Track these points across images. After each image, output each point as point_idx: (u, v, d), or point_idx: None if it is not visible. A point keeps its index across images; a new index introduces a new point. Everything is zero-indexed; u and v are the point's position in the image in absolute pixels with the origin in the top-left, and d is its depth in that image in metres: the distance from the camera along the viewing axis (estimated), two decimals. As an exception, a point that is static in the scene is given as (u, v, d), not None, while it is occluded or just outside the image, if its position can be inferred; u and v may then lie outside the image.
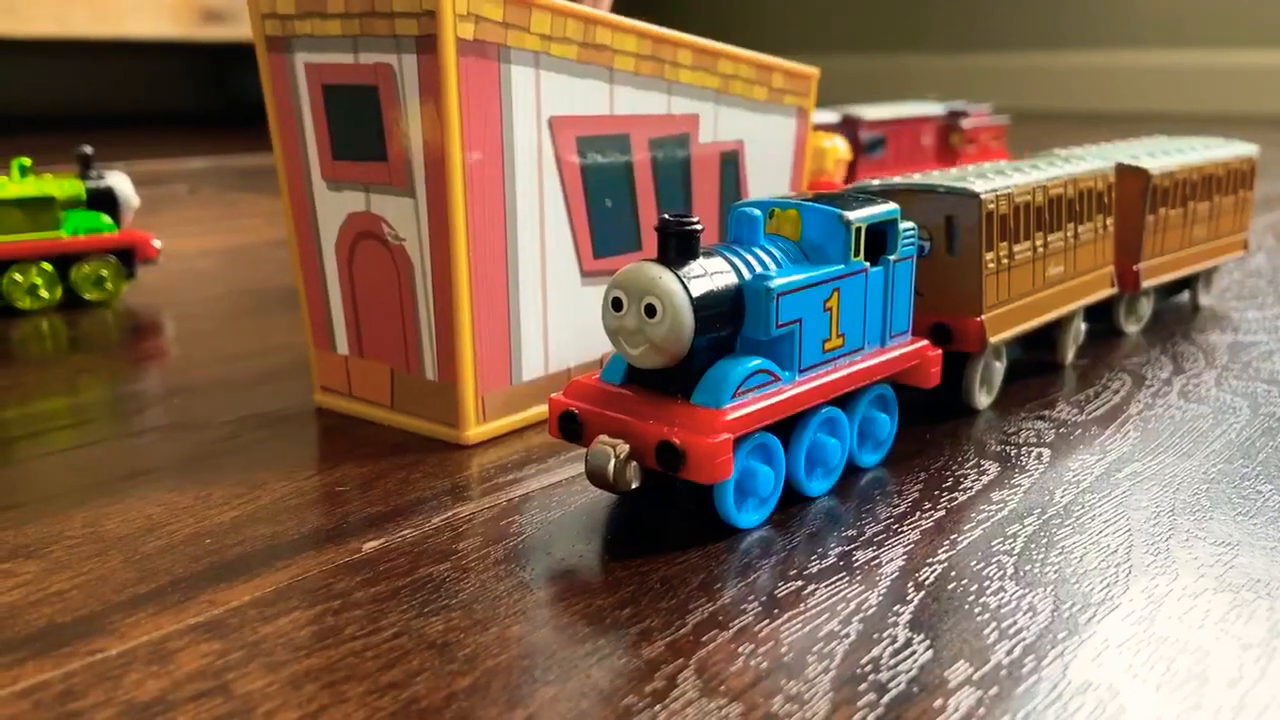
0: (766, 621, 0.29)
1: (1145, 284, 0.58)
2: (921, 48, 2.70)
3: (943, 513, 0.36)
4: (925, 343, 0.41)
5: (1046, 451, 0.42)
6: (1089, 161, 0.53)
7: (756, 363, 0.34)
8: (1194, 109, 2.35)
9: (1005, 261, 0.46)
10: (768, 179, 0.55)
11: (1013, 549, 0.34)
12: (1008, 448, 0.42)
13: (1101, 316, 0.58)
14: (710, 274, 0.34)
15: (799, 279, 0.35)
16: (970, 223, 0.44)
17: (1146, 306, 0.60)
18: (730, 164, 0.53)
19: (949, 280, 0.45)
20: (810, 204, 0.37)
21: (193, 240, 0.92)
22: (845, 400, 0.39)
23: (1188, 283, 0.66)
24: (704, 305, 0.33)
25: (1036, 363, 0.53)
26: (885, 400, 0.41)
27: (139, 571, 0.32)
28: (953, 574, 0.32)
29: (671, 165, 0.50)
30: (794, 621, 0.29)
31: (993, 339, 0.45)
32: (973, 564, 0.33)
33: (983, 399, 0.47)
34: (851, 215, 0.37)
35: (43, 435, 0.45)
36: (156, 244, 0.72)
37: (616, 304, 0.34)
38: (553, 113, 0.43)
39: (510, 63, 0.41)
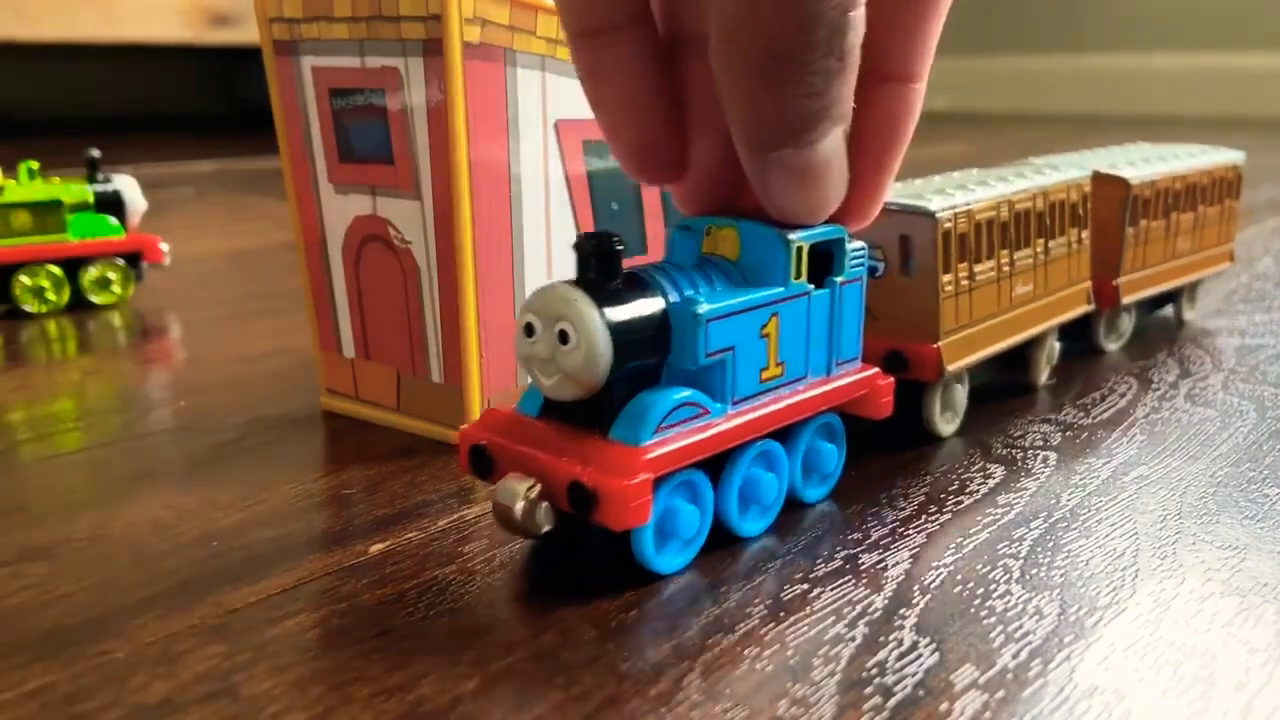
0: (772, 625, 0.29)
1: (1126, 300, 0.55)
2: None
3: (948, 516, 0.36)
4: (875, 370, 0.38)
5: (1052, 455, 0.42)
6: (1062, 172, 0.50)
7: (683, 394, 0.32)
8: (1206, 112, 2.34)
9: (966, 283, 0.43)
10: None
11: (1019, 552, 0.34)
12: (1013, 451, 0.42)
13: (1081, 334, 0.55)
14: (632, 297, 0.31)
15: (731, 303, 0.32)
16: (925, 243, 0.41)
17: (1128, 323, 0.58)
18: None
19: (904, 303, 0.42)
20: (749, 222, 0.34)
21: (200, 243, 0.93)
22: (787, 432, 0.36)
23: (1171, 297, 0.62)
24: (623, 332, 0.30)
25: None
26: (832, 430, 0.38)
27: (146, 574, 0.32)
28: (959, 577, 0.32)
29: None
30: (799, 625, 0.29)
31: (951, 367, 0.42)
32: (979, 567, 0.33)
33: (946, 426, 0.44)
34: (792, 234, 0.34)
35: (50, 437, 0.45)
36: (163, 247, 0.73)
37: (529, 329, 0.31)
38: (559, 116, 0.43)
39: (516, 66, 0.41)
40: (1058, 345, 0.51)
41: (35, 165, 0.70)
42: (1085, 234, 0.51)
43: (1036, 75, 2.59)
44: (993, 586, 0.31)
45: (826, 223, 0.34)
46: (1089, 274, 0.52)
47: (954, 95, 2.65)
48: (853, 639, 0.29)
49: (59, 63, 2.17)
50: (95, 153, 0.73)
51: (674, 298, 0.32)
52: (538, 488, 0.31)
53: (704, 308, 0.31)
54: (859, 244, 0.36)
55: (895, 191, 0.43)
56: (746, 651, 0.28)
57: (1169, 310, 0.64)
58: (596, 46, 0.30)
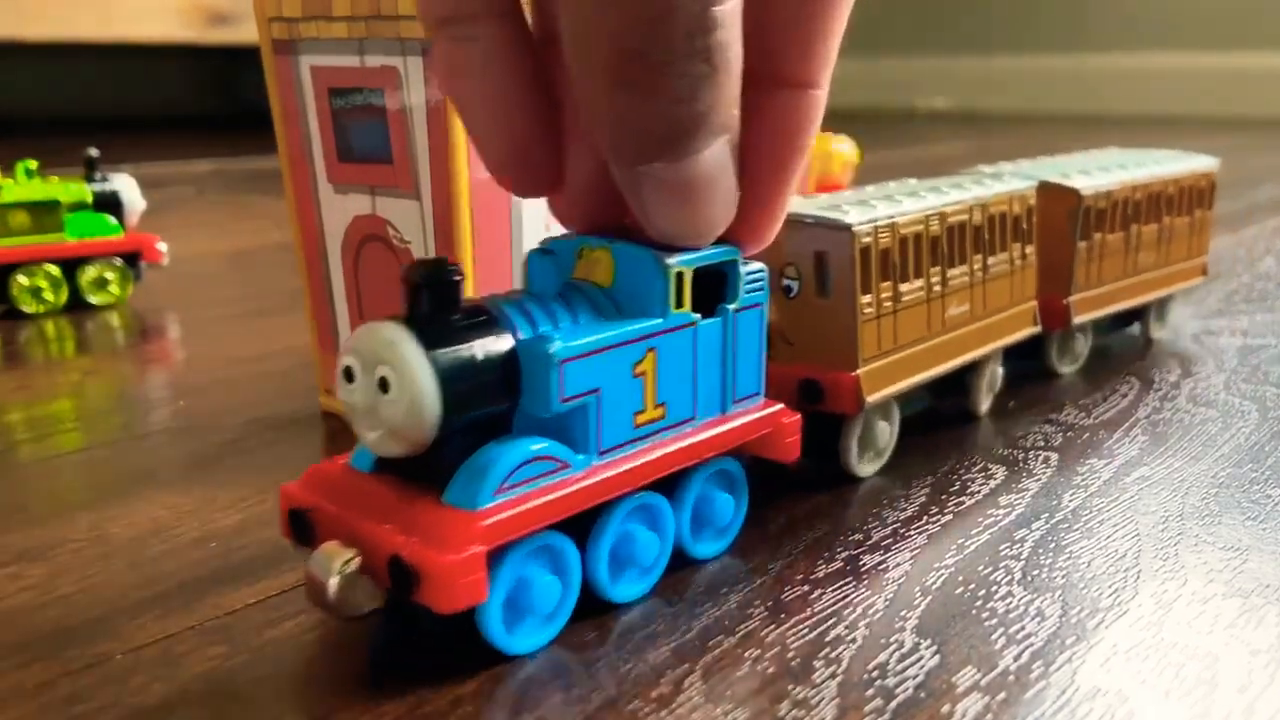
0: (773, 626, 0.29)
1: (1078, 320, 0.50)
2: (927, 50, 2.70)
3: (949, 517, 0.36)
4: (780, 408, 0.34)
5: (1054, 455, 0.42)
6: (1004, 182, 0.45)
7: (538, 446, 0.27)
8: (1207, 112, 2.34)
9: (889, 305, 0.39)
10: (774, 182, 0.55)
11: (1020, 554, 0.33)
12: (1015, 452, 0.42)
13: (1035, 355, 0.51)
14: (472, 336, 0.27)
15: (593, 339, 0.28)
16: (842, 259, 0.37)
17: (1083, 344, 0.53)
18: (736, 167, 0.53)
19: (820, 327, 0.38)
20: (623, 243, 0.29)
21: (198, 243, 0.92)
22: (674, 482, 0.32)
23: (1138, 314, 0.58)
24: (457, 377, 0.26)
25: (1039, 367, 0.52)
26: (730, 478, 0.34)
27: (144, 575, 0.32)
28: (960, 579, 0.32)
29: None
30: (800, 626, 0.29)
31: (870, 398, 0.38)
32: (980, 569, 0.32)
33: (866, 466, 0.40)
34: (671, 257, 0.29)
35: (48, 438, 0.45)
36: (161, 247, 0.72)
37: (347, 374, 0.27)
38: (558, 116, 0.43)
39: (516, 66, 0.41)
40: (1000, 370, 0.47)
41: (34, 165, 0.70)
42: (1030, 249, 0.46)
43: (1038, 75, 2.60)
44: (994, 588, 0.31)
45: (718, 243, 0.30)
46: (1035, 293, 0.47)
47: (955, 95, 2.65)
48: (854, 640, 0.28)
49: (58, 63, 2.17)
50: (94, 152, 0.73)
51: (525, 334, 0.28)
52: (357, 560, 0.26)
53: (556, 346, 0.27)
54: (757, 266, 0.32)
55: (805, 204, 0.39)
56: (747, 653, 0.28)
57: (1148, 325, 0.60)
58: (456, 38, 0.27)
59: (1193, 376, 0.52)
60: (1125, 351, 0.56)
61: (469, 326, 0.27)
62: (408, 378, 0.26)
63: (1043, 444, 0.43)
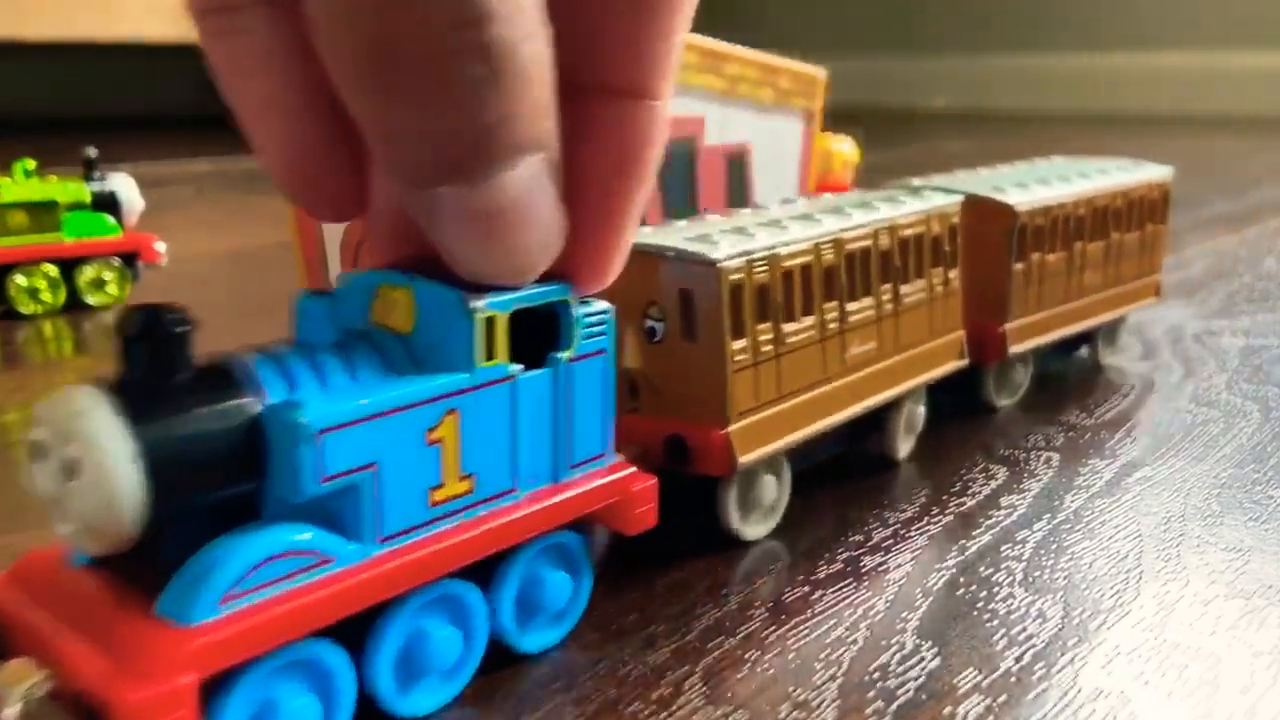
0: (773, 628, 0.29)
1: (1014, 349, 0.45)
2: (927, 50, 2.70)
3: (951, 518, 0.36)
4: (631, 471, 0.29)
5: (1056, 456, 0.42)
6: (921, 199, 0.40)
7: (284, 539, 0.22)
8: (1209, 111, 2.34)
9: (769, 349, 0.33)
10: (774, 182, 0.55)
11: (1022, 554, 0.33)
12: (1016, 452, 0.42)
13: (965, 387, 0.46)
14: (199, 402, 0.21)
15: (367, 402, 0.23)
16: (709, 299, 0.32)
17: (1023, 374, 0.48)
18: (737, 167, 0.53)
19: (687, 376, 0.33)
20: (426, 281, 0.24)
21: (198, 243, 0.92)
22: (490, 565, 0.26)
23: (1086, 338, 0.53)
24: (170, 455, 0.21)
25: (1047, 363, 0.52)
26: (568, 554, 0.28)
27: (141, 576, 0.32)
28: (961, 580, 0.32)
29: (678, 168, 0.49)
30: (801, 628, 0.29)
31: (745, 457, 0.32)
32: (981, 570, 0.32)
33: (753, 528, 0.34)
34: (479, 299, 0.24)
35: (46, 438, 0.45)
36: (160, 247, 0.72)
37: (38, 450, 0.21)
38: (558, 115, 0.43)
39: (515, 65, 0.41)
40: (921, 410, 0.42)
41: (31, 164, 0.70)
42: (954, 274, 0.42)
43: (1038, 75, 2.60)
44: (995, 589, 0.31)
45: (549, 280, 0.25)
46: (961, 322, 0.43)
47: (955, 95, 2.65)
48: (854, 642, 0.28)
49: (58, 62, 2.17)
50: (92, 152, 0.73)
51: (276, 397, 0.22)
52: (47, 685, 0.21)
53: (309, 413, 0.22)
54: (600, 307, 0.27)
55: (671, 234, 0.34)
56: (748, 655, 0.28)
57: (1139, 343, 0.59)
58: (224, 31, 0.22)
59: (1194, 377, 0.52)
60: (1123, 354, 0.56)
61: (198, 390, 0.22)
62: (97, 459, 0.20)
63: (1044, 444, 0.43)
